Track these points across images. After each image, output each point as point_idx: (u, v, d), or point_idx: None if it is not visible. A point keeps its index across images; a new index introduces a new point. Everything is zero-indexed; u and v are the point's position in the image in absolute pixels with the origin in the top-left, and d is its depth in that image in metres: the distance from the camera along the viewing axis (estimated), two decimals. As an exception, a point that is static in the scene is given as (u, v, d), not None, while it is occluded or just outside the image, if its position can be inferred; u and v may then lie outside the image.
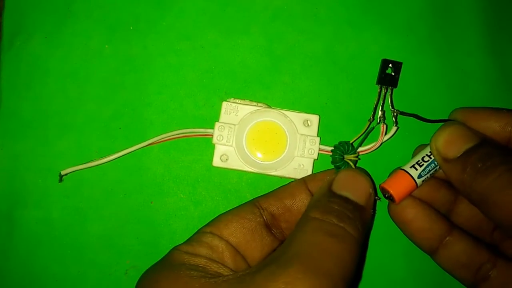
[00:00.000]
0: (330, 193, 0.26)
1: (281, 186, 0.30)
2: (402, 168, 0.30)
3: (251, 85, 0.35)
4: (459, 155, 0.26)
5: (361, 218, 0.25)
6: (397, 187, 0.29)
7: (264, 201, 0.28)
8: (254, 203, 0.28)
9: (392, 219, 0.31)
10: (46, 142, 0.34)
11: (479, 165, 0.24)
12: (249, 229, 0.27)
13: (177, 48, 0.35)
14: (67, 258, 0.33)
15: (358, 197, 0.26)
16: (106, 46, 0.35)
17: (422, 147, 0.31)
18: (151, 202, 0.34)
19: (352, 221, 0.24)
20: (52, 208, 0.33)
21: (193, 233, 0.27)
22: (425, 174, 0.29)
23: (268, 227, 0.28)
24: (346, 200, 0.25)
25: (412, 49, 0.36)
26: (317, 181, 0.29)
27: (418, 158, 0.29)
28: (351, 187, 0.26)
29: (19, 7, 0.35)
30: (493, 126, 0.28)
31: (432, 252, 0.30)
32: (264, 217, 0.28)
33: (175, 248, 0.25)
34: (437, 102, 0.35)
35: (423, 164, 0.29)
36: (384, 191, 0.30)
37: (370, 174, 0.31)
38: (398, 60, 0.34)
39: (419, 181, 0.29)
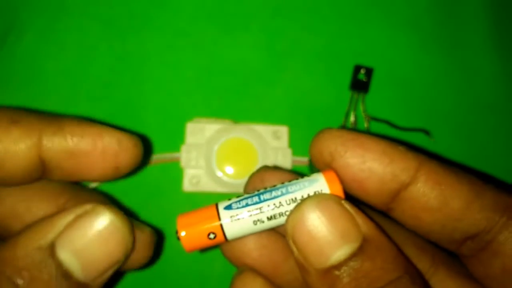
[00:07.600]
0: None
1: None
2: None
3: (251, 82, 0.35)
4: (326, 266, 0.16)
5: None
6: (192, 231, 0.18)
7: None
8: None
9: None
10: (39, 142, 0.33)
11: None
12: None
13: (174, 45, 0.35)
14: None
15: None
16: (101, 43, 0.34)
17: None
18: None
19: None
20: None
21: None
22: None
23: None
24: None
25: (417, 45, 0.36)
26: None
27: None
28: None
29: (11, 2, 0.35)
30: (380, 169, 0.18)
31: None
32: None
33: None
34: (442, 99, 0.36)
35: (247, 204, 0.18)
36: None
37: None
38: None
39: (231, 227, 0.18)
